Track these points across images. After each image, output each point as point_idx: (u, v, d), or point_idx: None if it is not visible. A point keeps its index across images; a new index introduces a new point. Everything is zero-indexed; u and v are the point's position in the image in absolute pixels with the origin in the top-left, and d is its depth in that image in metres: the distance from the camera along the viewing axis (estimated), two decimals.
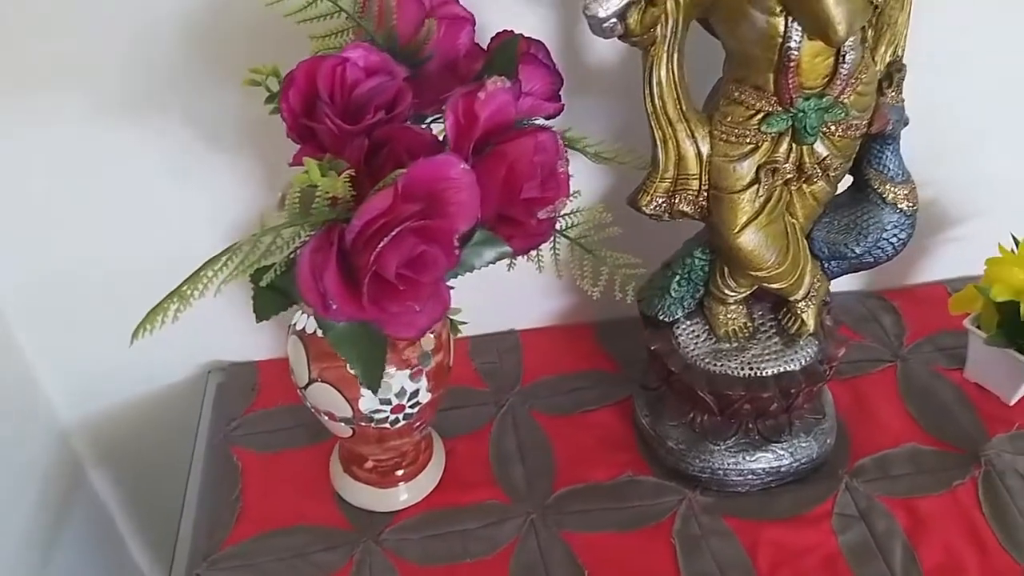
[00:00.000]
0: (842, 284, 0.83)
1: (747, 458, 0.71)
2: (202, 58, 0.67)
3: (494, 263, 0.52)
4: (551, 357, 0.87)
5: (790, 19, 0.54)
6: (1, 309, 0.79)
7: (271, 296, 0.56)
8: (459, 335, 0.68)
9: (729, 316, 0.71)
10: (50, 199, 0.74)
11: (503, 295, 0.80)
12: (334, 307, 0.47)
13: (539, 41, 0.59)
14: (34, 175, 0.72)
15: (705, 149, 0.61)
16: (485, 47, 0.58)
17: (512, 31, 0.58)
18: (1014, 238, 0.78)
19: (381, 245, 0.45)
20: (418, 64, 0.55)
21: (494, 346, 0.88)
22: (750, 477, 0.72)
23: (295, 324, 0.65)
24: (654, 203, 0.63)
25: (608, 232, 0.60)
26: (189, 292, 0.46)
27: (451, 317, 0.64)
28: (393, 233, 0.45)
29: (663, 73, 0.58)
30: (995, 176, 0.87)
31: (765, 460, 0.72)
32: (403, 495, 0.72)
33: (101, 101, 0.69)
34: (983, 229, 0.80)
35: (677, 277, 0.70)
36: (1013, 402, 0.80)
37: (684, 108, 0.60)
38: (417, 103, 0.53)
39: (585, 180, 0.72)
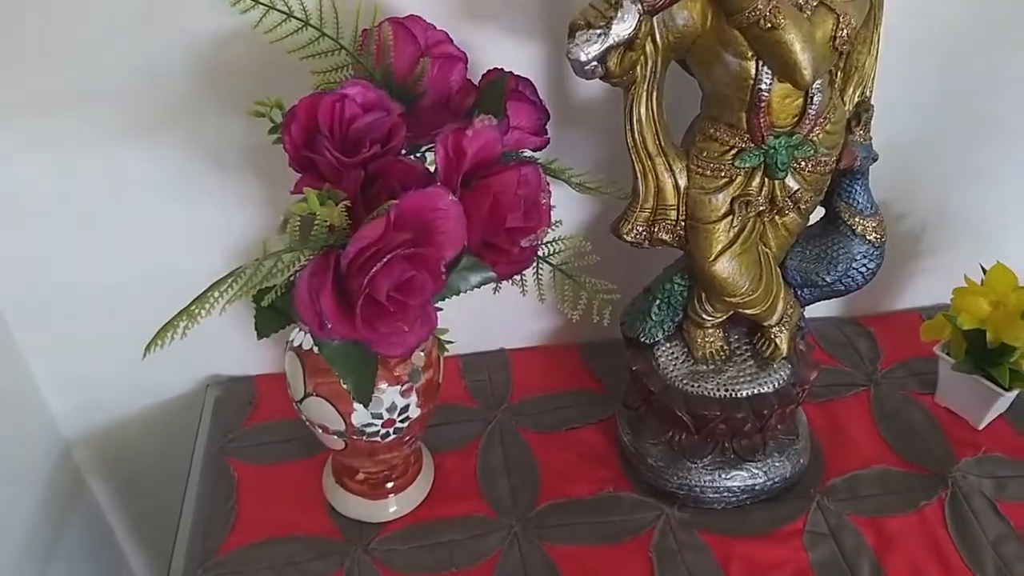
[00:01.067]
0: (821, 310, 0.86)
1: (723, 476, 0.74)
2: (209, 88, 0.70)
3: (479, 287, 0.55)
4: (539, 376, 0.89)
5: (760, 63, 0.57)
6: (5, 323, 0.81)
7: (272, 315, 0.59)
8: (450, 354, 0.70)
9: (706, 339, 0.73)
10: (55, 216, 0.75)
11: (494, 316, 0.83)
12: (329, 327, 0.50)
13: (527, 79, 0.62)
14: (41, 193, 0.74)
15: (683, 182, 0.64)
16: (477, 83, 0.62)
17: (502, 69, 0.61)
18: (983, 268, 0.81)
19: (374, 270, 0.48)
20: (413, 99, 0.59)
21: (484, 364, 0.90)
22: (725, 494, 0.74)
23: (292, 340, 0.67)
24: (634, 231, 0.66)
25: (588, 259, 0.63)
26: (197, 311, 0.49)
27: (439, 337, 0.67)
28: (385, 259, 0.48)
29: (643, 110, 0.60)
30: (968, 210, 0.91)
31: (740, 478, 0.74)
32: (392, 507, 0.74)
33: (110, 125, 0.71)
34: (956, 259, 0.83)
35: (657, 301, 0.73)
36: (982, 426, 0.82)
37: (663, 143, 0.62)
38: (411, 136, 0.56)
39: (569, 209, 0.75)
